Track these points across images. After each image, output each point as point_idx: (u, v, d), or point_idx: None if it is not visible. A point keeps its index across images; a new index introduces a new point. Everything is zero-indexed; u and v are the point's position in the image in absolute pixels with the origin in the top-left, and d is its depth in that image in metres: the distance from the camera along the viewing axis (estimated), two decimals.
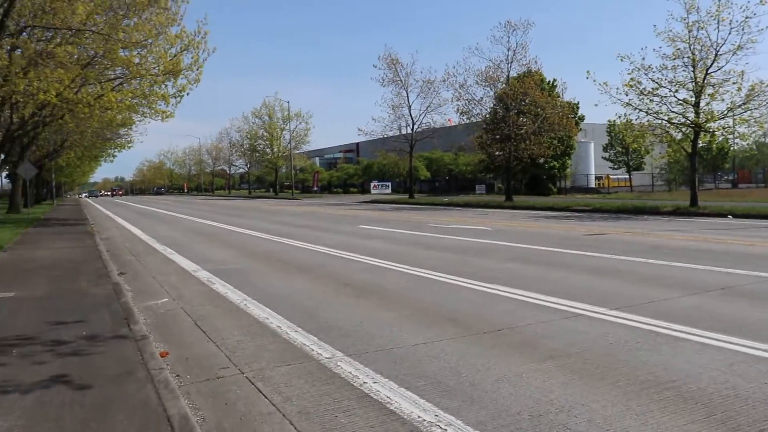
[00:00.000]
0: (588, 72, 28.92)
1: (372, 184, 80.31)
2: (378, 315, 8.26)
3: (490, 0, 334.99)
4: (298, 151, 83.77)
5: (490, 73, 43.60)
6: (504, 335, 7.09)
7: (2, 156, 35.67)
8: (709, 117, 28.10)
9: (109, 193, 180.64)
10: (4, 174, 45.81)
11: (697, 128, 28.31)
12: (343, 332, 7.39)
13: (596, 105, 54.45)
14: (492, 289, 9.81)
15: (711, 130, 29.54)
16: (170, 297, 10.17)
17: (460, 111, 45.30)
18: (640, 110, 29.04)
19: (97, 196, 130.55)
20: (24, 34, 19.04)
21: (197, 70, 24.46)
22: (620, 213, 29.27)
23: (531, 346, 6.61)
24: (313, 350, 6.66)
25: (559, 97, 47.08)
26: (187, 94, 24.81)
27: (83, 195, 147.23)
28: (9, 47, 19.10)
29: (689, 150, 29.67)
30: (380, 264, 13.06)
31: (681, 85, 27.95)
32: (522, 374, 5.72)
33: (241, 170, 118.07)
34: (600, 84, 29.27)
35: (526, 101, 42.85)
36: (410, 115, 51.97)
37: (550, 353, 6.34)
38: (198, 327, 7.94)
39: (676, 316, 7.71)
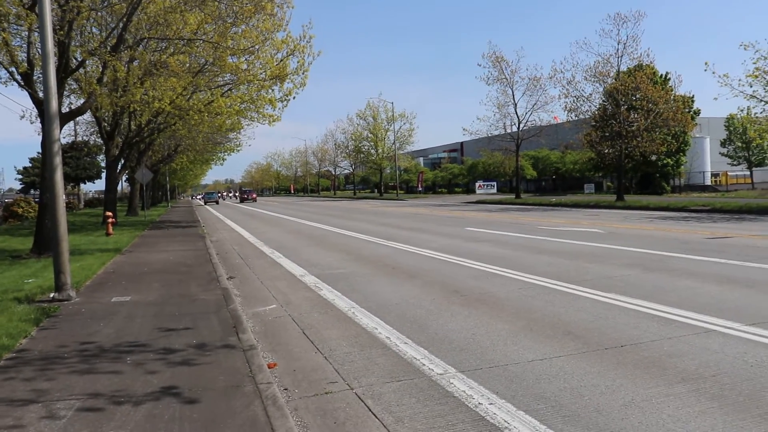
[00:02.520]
0: (706, 63, 27.35)
1: (477, 184, 79.44)
2: (490, 326, 7.88)
3: None
4: (402, 152, 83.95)
5: (599, 68, 42.04)
6: (627, 352, 6.56)
7: (122, 161, 37.45)
8: None
9: (230, 195, 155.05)
10: (123, 178, 48.05)
11: None
12: (455, 345, 7.06)
13: (716, 98, 51.72)
14: (610, 298, 9.23)
15: None
16: (278, 303, 10.14)
17: (567, 108, 43.93)
18: (766, 102, 27.12)
19: (217, 200, 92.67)
20: (140, 46, 19.72)
21: (303, 73, 24.68)
22: (743, 213, 27.45)
23: (659, 366, 6.07)
24: (424, 365, 6.37)
25: (672, 90, 44.85)
26: (294, 97, 25.07)
27: (198, 197, 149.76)
28: (127, 59, 19.84)
29: None
30: (490, 269, 12.63)
31: None
32: (651, 399, 5.23)
33: (346, 171, 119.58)
34: (720, 76, 27.57)
35: (638, 96, 41.05)
36: (516, 113, 50.97)
37: (681, 375, 5.79)
38: (306, 336, 7.81)
39: None
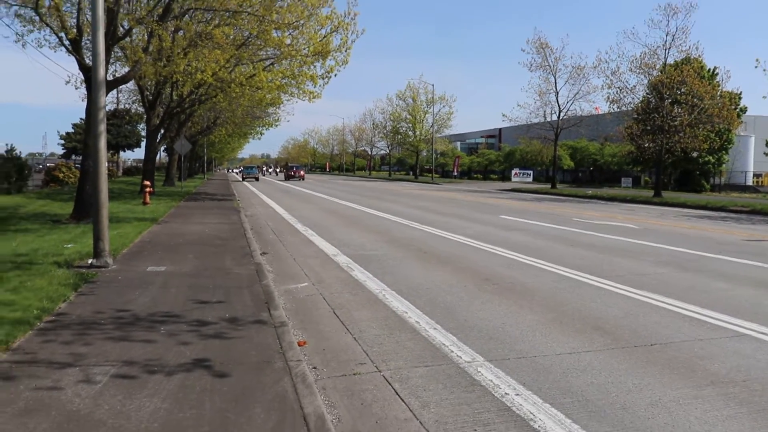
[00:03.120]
0: (757, 60, 26.66)
1: (513, 172, 78.89)
2: (520, 317, 7.88)
3: None
4: (440, 135, 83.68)
5: (646, 59, 41.30)
6: (657, 351, 6.53)
7: (162, 131, 37.90)
8: None
9: (270, 170, 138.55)
10: (162, 148, 48.63)
11: None
12: (484, 334, 7.08)
13: (765, 97, 50.43)
14: (642, 296, 9.15)
15: None
16: (310, 281, 10.24)
17: (610, 99, 43.28)
18: None
19: (257, 177, 76.42)
20: (186, 16, 19.86)
21: (345, 51, 24.64)
22: None
23: (688, 367, 6.03)
24: (452, 351, 6.41)
25: (719, 86, 43.91)
26: (335, 75, 25.06)
27: (235, 171, 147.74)
28: (173, 29, 20.02)
29: None
30: (522, 259, 12.59)
31: None
32: (679, 400, 5.20)
33: (382, 152, 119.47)
34: None
35: (683, 90, 40.27)
36: (557, 101, 50.44)
37: (711, 378, 5.74)
38: (336, 316, 7.89)
39: None
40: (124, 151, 70.64)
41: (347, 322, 7.57)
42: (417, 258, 12.83)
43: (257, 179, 73.99)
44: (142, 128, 61.68)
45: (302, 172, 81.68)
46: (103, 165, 10.36)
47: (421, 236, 16.67)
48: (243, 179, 74.54)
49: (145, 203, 24.14)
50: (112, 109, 59.93)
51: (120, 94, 56.33)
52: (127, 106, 55.92)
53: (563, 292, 9.39)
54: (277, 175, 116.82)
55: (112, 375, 5.25)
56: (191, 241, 14.12)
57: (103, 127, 10.34)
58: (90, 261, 10.33)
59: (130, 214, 19.58)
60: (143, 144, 48.83)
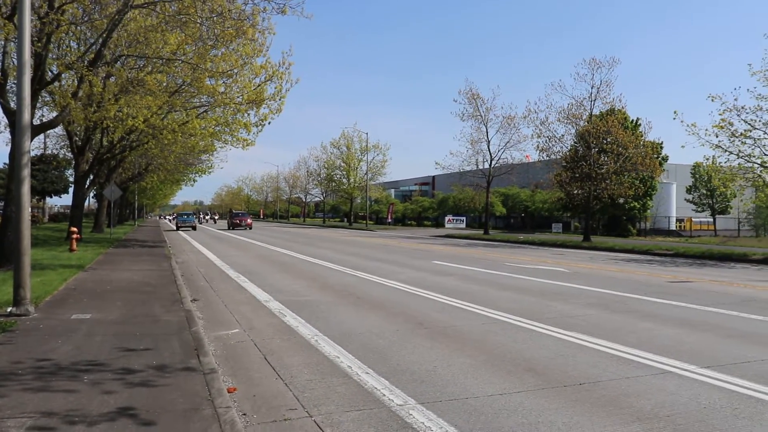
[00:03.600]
0: (675, 112, 28.11)
1: (446, 218, 79.77)
2: (453, 360, 7.91)
3: (574, 37, 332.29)
4: (374, 182, 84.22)
5: (573, 110, 42.85)
6: (586, 390, 6.64)
7: (91, 177, 37.04)
8: None
9: (207, 218, 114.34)
10: (91, 194, 47.48)
11: None
12: (416, 377, 7.08)
13: (683, 146, 52.97)
14: (572, 337, 9.32)
15: None
16: (241, 328, 10.08)
17: (540, 148, 44.59)
18: (731, 153, 27.79)
19: (194, 225, 64.58)
20: (118, 62, 19.66)
21: (280, 100, 24.76)
22: (705, 259, 27.98)
23: (616, 405, 6.15)
24: (384, 395, 6.38)
25: (642, 136, 45.78)
26: (269, 123, 25.10)
27: (167, 218, 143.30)
28: (104, 75, 19.76)
29: None
30: (455, 304, 12.69)
31: None
32: None
33: (316, 199, 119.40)
34: (688, 125, 28.19)
35: (609, 140, 41.84)
36: (489, 150, 51.53)
37: (637, 414, 5.88)
38: (267, 362, 7.77)
39: None
40: (51, 197, 68.59)
41: (278, 368, 7.46)
42: (350, 303, 12.79)
43: (194, 228, 61.37)
44: (70, 174, 60.15)
45: (249, 220, 68.29)
46: (26, 211, 10.04)
47: (354, 282, 16.65)
48: (177, 228, 61.36)
49: (71, 250, 23.42)
50: (38, 153, 58.40)
51: (47, 139, 54.99)
52: (54, 151, 54.55)
53: (495, 335, 9.49)
54: (215, 222, 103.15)
55: (28, 428, 5.03)
56: (119, 288, 13.75)
57: (27, 172, 10.06)
58: (9, 309, 9.93)
59: (55, 261, 18.96)
60: (71, 190, 47.56)
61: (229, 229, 65.85)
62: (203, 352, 7.70)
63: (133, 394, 5.92)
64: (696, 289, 16.00)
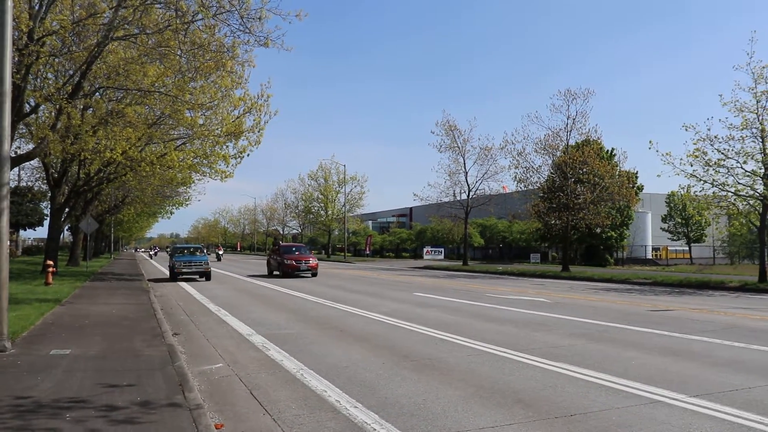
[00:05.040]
0: (650, 142, 28.40)
1: (425, 250, 79.82)
2: (441, 392, 7.82)
3: (551, 70, 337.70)
4: (351, 214, 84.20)
5: (549, 141, 43.32)
6: (577, 421, 6.59)
7: (67, 210, 36.63)
8: None
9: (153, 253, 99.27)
10: (66, 227, 46.92)
11: (766, 201, 27.30)
12: (406, 410, 6.98)
13: (659, 176, 53.80)
14: (559, 367, 9.28)
15: None
16: (225, 362, 9.92)
17: (517, 179, 44.96)
18: (705, 181, 28.18)
19: (203, 271, 31.79)
20: (97, 94, 19.57)
21: (258, 132, 24.80)
22: (683, 287, 28.21)
23: None
24: (374, 429, 6.28)
25: (618, 166, 46.39)
26: (248, 155, 25.12)
27: (142, 251, 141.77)
28: (82, 106, 19.65)
29: (757, 223, 28.58)
30: (439, 335, 12.62)
31: (749, 156, 27.10)
32: None
33: (294, 231, 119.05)
34: (662, 154, 28.60)
35: (585, 170, 42.32)
36: (466, 181, 51.78)
37: None
38: (254, 397, 7.63)
39: (767, 408, 7.10)
40: (25, 229, 67.72)
41: (265, 403, 7.33)
42: (333, 336, 12.66)
43: (207, 275, 32.15)
44: (45, 206, 59.47)
45: (313, 261, 37.46)
46: (5, 244, 9.86)
47: (336, 314, 16.52)
48: (177, 275, 31.99)
49: (47, 283, 23.03)
50: (13, 186, 57.73)
51: (22, 171, 54.42)
52: (29, 183, 53.94)
53: (482, 367, 9.42)
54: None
55: None
56: (98, 322, 13.50)
57: (5, 204, 9.89)
58: None
59: (30, 295, 18.61)
60: (46, 222, 46.96)
61: (273, 275, 37.85)
62: (188, 387, 7.54)
63: None
64: (677, 317, 16.08)
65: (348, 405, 7.19)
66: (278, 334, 12.94)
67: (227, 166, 26.48)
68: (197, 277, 32.23)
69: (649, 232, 71.21)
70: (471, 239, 68.71)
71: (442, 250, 79.54)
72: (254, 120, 24.53)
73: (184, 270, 31.07)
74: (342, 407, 7.11)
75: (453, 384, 8.28)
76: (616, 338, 12.38)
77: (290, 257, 35.73)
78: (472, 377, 8.70)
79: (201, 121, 23.35)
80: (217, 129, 23.99)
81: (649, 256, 68.20)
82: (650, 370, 9.21)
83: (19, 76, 14.79)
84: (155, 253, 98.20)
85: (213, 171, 27.82)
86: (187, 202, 53.50)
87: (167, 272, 36.20)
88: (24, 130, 25.33)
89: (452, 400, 7.46)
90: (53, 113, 18.42)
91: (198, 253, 34.11)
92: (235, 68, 21.20)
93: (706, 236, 67.23)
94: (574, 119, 43.23)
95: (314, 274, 35.66)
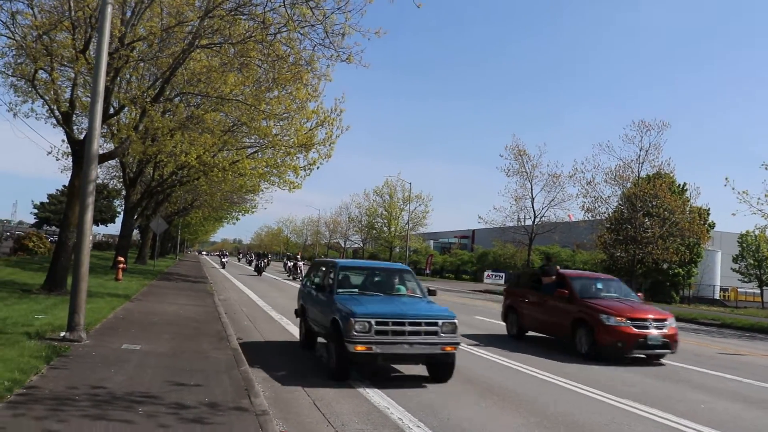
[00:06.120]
0: (726, 179, 27.47)
1: (486, 273, 79.18)
2: (504, 419, 7.76)
3: (625, 99, 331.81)
4: (414, 233, 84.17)
5: (620, 171, 42.50)
6: None
7: (139, 209, 37.76)
8: None
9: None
10: (136, 225, 48.34)
11: None
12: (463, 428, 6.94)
13: (734, 214, 52.28)
14: (624, 404, 9.07)
15: None
16: (287, 371, 10.02)
17: (585, 208, 44.21)
18: None
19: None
20: (177, 98, 20.17)
21: (329, 145, 25.04)
22: (754, 332, 27.15)
23: None
24: None
25: (689, 201, 45.18)
26: (318, 167, 25.35)
27: (205, 254, 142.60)
28: (162, 111, 20.27)
29: None
30: (502, 362, 12.49)
31: None
32: None
33: (356, 245, 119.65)
34: (740, 192, 27.74)
35: (655, 203, 41.33)
36: (533, 207, 51.23)
37: None
38: (317, 408, 7.70)
39: None
40: (98, 225, 70.15)
41: (328, 415, 7.38)
42: None
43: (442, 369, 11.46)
44: (117, 204, 61.45)
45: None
46: (88, 237, 10.24)
47: None
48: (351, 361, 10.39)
49: (117, 279, 23.74)
50: None
51: (99, 169, 56.32)
52: (105, 181, 55.80)
53: (546, 396, 9.29)
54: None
55: None
56: (166, 321, 13.84)
57: (91, 200, 10.29)
58: (63, 334, 10.05)
59: (102, 289, 19.21)
60: (117, 220, 48.44)
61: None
62: (254, 392, 7.66)
63: (188, 430, 5.90)
64: (748, 362, 15.52)
65: (411, 424, 7.20)
66: None
67: (296, 177, 26.81)
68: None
69: (719, 272, 68.95)
70: (533, 266, 67.82)
71: (503, 274, 78.76)
72: (326, 133, 24.79)
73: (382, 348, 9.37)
74: (405, 426, 7.12)
75: (516, 411, 8.20)
76: (684, 379, 12.02)
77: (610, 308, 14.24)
78: (535, 406, 8.58)
79: (275, 131, 23.75)
80: (290, 140, 24.36)
81: (717, 297, 66.02)
82: (720, 414, 8.92)
83: (108, 78, 15.38)
84: (226, 260, 64.56)
85: (282, 181, 28.22)
86: (253, 210, 54.36)
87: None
88: (105, 130, 26.27)
89: (515, 427, 7.38)
90: (136, 115, 19.05)
91: (405, 292, 12.07)
92: (312, 81, 21.55)
93: None
94: (646, 151, 42.27)
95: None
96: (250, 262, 74.43)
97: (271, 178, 28.86)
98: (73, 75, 17.51)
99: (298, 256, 47.31)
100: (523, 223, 51.85)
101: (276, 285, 35.55)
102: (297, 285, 32.23)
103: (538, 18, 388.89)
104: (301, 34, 15.87)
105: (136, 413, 6.27)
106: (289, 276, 44.63)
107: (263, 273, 48.29)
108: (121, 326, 12.32)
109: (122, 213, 37.88)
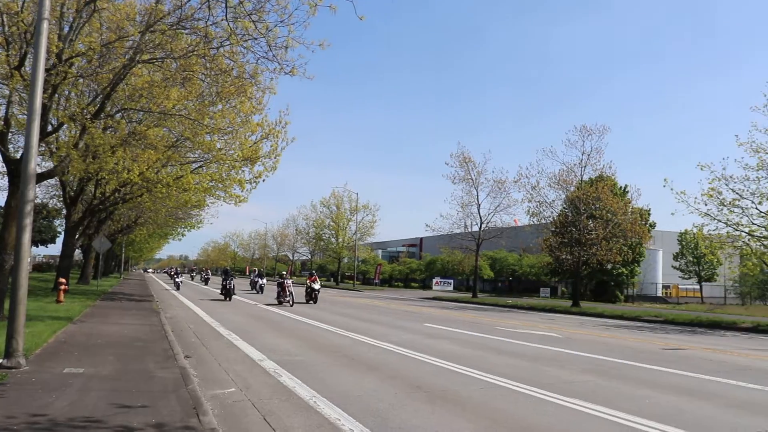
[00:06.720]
0: (665, 180, 28.27)
1: (434, 281, 79.72)
2: (454, 424, 7.80)
3: (566, 105, 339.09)
4: (362, 243, 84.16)
5: (563, 176, 43.33)
6: None
7: (80, 228, 36.86)
8: None
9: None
10: (78, 245, 47.20)
11: None
12: None
13: (673, 214, 53.81)
14: (572, 403, 9.23)
15: None
16: (237, 387, 9.91)
17: (530, 212, 44.93)
18: (719, 221, 28.11)
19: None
20: (119, 114, 19.80)
21: (275, 158, 24.94)
22: (694, 326, 28.01)
23: None
24: None
25: (631, 203, 46.30)
26: (263, 180, 25.20)
27: (150, 271, 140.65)
28: (102, 126, 19.88)
29: None
30: (450, 367, 12.57)
31: (764, 196, 27.02)
32: None
33: (304, 257, 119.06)
34: (678, 193, 28.56)
35: (598, 206, 42.25)
36: (479, 213, 51.86)
37: None
38: (267, 423, 7.62)
39: None
40: (37, 246, 68.25)
41: (279, 430, 7.32)
42: (345, 365, 12.63)
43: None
44: (58, 224, 59.87)
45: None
46: (26, 260, 9.97)
47: (347, 343, 16.48)
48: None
49: (59, 301, 23.14)
50: None
51: (38, 188, 54.90)
52: (44, 200, 54.34)
53: (494, 400, 9.38)
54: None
55: None
56: (110, 342, 13.53)
57: (29, 221, 10.02)
58: (0, 361, 9.74)
59: (42, 312, 18.72)
60: (58, 240, 47.16)
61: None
62: (202, 410, 7.55)
63: None
64: (689, 356, 15.97)
65: None
66: (289, 360, 12.93)
67: (242, 191, 26.59)
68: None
69: (660, 270, 70.91)
70: (481, 272, 68.50)
71: (452, 281, 79.40)
72: (271, 146, 24.68)
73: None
74: None
75: (466, 416, 8.25)
76: (629, 376, 12.30)
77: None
78: (485, 410, 8.66)
79: (219, 145, 23.53)
80: (235, 153, 24.17)
81: (660, 294, 67.82)
82: (664, 408, 9.15)
83: (45, 95, 15.02)
84: (181, 280, 50.97)
85: (227, 195, 27.92)
86: (199, 225, 53.69)
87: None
88: (44, 148, 25.63)
89: None
90: (76, 132, 18.63)
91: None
92: (256, 94, 21.44)
93: (717, 275, 66.79)
94: (588, 155, 43.25)
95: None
96: (206, 281, 67.34)
97: (217, 193, 28.52)
98: (7, 92, 17.04)
99: (285, 273, 35.14)
100: (470, 230, 52.42)
101: (222, 301, 34.99)
102: (245, 301, 31.53)
103: (482, 27, 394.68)
104: (245, 48, 15.80)
105: None
106: (276, 299, 33.09)
107: (233, 296, 36.49)
108: (63, 350, 12.00)
109: (63, 233, 36.90)
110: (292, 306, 28.97)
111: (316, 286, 35.06)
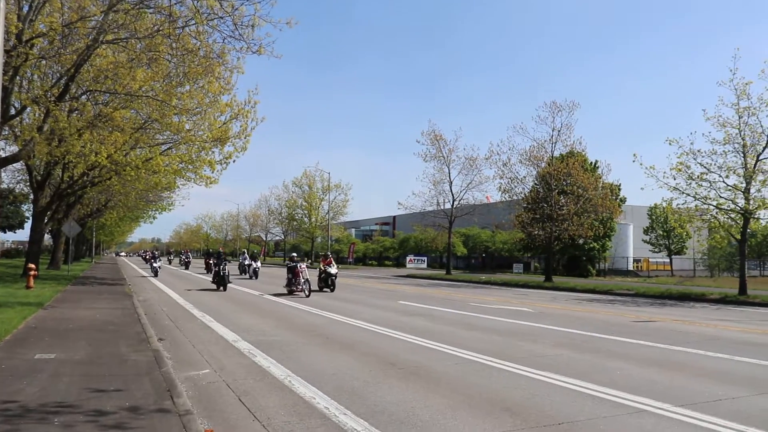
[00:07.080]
0: (635, 155, 28.51)
1: (408, 258, 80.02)
2: (429, 400, 7.85)
3: (537, 81, 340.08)
4: (335, 222, 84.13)
5: (534, 152, 43.61)
6: (565, 430, 6.64)
7: (49, 213, 36.32)
8: (761, 204, 27.41)
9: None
10: (47, 230, 46.53)
11: (747, 215, 27.67)
12: (395, 418, 7.01)
13: (642, 188, 54.55)
14: (545, 376, 9.35)
15: (760, 217, 28.83)
16: (211, 368, 9.88)
17: (502, 189, 45.24)
18: (688, 195, 28.51)
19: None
20: (84, 97, 19.46)
21: (245, 138, 24.78)
22: (665, 299, 28.49)
23: None
24: None
25: (601, 178, 46.77)
26: (234, 161, 25.04)
27: (123, 254, 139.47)
28: (68, 109, 19.53)
29: (738, 237, 28.93)
30: (425, 344, 12.66)
31: (731, 170, 27.46)
32: None
33: (277, 238, 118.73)
34: (647, 167, 28.87)
35: (569, 181, 42.64)
36: (451, 191, 52.04)
37: None
38: (242, 403, 7.62)
39: (751, 418, 7.19)
40: (5, 232, 67.17)
41: (254, 410, 7.32)
42: (319, 344, 12.65)
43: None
44: (26, 209, 58.94)
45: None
46: None
47: (321, 322, 16.50)
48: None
49: (28, 287, 22.82)
50: None
51: (3, 173, 53.89)
52: (11, 185, 53.39)
53: (468, 375, 9.46)
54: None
55: None
56: (82, 326, 13.40)
57: None
58: None
59: (12, 299, 18.44)
60: (26, 225, 46.50)
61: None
62: (176, 392, 7.52)
63: None
64: (660, 328, 16.24)
65: (337, 412, 7.20)
66: (264, 340, 12.91)
67: (212, 172, 26.39)
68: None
69: (631, 244, 71.84)
70: (454, 248, 68.84)
71: (425, 258, 79.75)
72: (241, 126, 24.52)
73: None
74: (331, 414, 7.12)
75: (440, 392, 8.31)
76: (600, 348, 12.48)
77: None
78: (459, 385, 8.73)
79: (188, 126, 23.28)
80: (204, 134, 23.93)
81: (631, 268, 68.74)
82: (636, 379, 9.30)
83: (6, 78, 14.70)
84: (159, 265, 44.05)
85: (198, 176, 27.68)
86: (170, 207, 53.24)
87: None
88: (7, 132, 25.14)
89: (440, 408, 7.49)
90: (40, 115, 18.29)
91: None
92: (224, 74, 21.19)
93: (686, 249, 67.88)
94: (559, 131, 43.61)
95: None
96: (186, 264, 59.92)
97: (187, 174, 28.23)
98: None
99: (294, 255, 31.08)
100: (442, 207, 52.59)
101: (196, 282, 34.77)
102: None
103: (450, 8, 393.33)
104: (211, 27, 15.59)
105: (52, 424, 6.06)
106: (285, 288, 28.22)
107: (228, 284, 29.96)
108: (34, 336, 11.86)
109: (31, 218, 36.29)
110: (308, 296, 25.07)
111: (333, 270, 29.88)
